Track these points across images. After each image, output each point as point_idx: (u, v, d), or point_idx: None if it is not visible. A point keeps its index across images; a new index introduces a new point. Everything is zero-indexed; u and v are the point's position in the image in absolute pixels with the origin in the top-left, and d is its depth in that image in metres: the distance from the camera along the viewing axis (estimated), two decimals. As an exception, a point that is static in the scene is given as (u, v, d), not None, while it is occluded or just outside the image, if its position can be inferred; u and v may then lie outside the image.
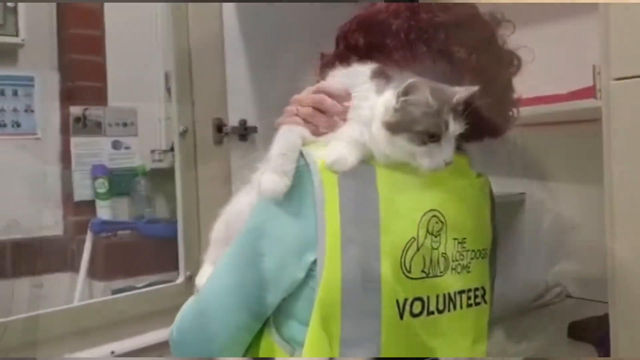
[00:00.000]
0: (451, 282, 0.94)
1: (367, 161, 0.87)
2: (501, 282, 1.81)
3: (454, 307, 0.95)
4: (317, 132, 0.92)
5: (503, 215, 1.86)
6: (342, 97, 0.91)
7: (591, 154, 1.04)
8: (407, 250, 0.88)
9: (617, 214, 0.94)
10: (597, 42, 0.95)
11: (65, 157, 2.43)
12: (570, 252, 1.87)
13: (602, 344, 1.34)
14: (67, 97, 2.42)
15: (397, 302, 0.87)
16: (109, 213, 2.39)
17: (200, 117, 1.63)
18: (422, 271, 0.90)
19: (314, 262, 0.85)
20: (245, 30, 1.72)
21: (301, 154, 0.87)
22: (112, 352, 1.38)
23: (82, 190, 2.42)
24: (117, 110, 2.48)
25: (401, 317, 0.87)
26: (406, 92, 0.84)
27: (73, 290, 2.20)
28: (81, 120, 2.41)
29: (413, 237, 0.88)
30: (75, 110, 2.40)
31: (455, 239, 0.94)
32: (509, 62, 1.01)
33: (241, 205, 0.97)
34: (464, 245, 0.96)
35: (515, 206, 1.92)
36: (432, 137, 0.85)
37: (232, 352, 0.92)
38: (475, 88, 0.87)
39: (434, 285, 0.92)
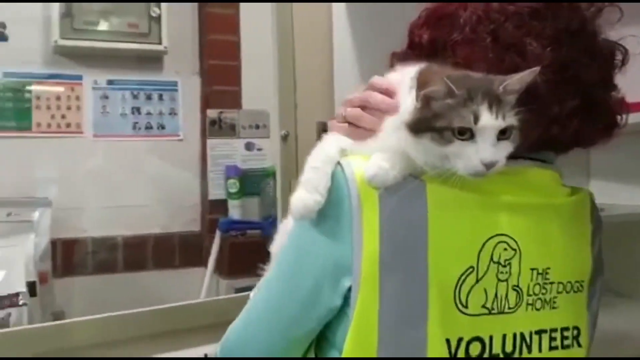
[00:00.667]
0: (526, 320, 0.80)
1: (417, 175, 0.75)
2: (626, 321, 1.56)
3: (529, 350, 0.80)
4: (366, 135, 0.82)
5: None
6: (394, 92, 0.81)
7: None
8: (463, 281, 0.75)
9: None
10: None
11: (204, 157, 2.55)
12: None
13: None
14: (206, 100, 2.54)
15: (448, 341, 0.75)
16: (239, 213, 2.47)
17: (304, 121, 1.60)
18: (484, 306, 0.77)
19: (350, 289, 0.76)
20: (355, 33, 1.65)
21: (340, 167, 0.78)
22: (205, 355, 1.39)
23: (216, 190, 2.52)
24: (250, 113, 2.54)
25: (453, 359, 0.75)
26: (422, 82, 0.72)
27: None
28: (217, 122, 2.51)
29: (471, 267, 0.75)
30: (211, 113, 2.51)
31: (533, 269, 0.80)
32: (607, 56, 0.83)
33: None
34: (547, 276, 0.81)
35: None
36: (460, 133, 0.71)
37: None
38: (528, 72, 0.72)
39: (501, 323, 0.78)
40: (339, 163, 0.78)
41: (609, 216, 1.16)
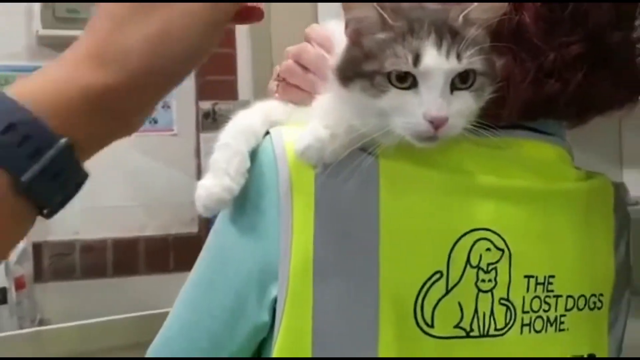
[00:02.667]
0: (521, 346, 0.60)
1: (368, 150, 0.56)
2: None
3: None
4: (301, 98, 0.64)
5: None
6: (316, 64, 0.62)
7: None
8: (428, 291, 0.56)
9: None
10: None
11: (199, 153, 2.38)
12: None
13: None
14: (200, 92, 2.37)
15: None
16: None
17: None
18: (458, 326, 0.57)
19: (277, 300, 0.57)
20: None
21: (270, 139, 0.59)
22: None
23: (213, 188, 2.35)
24: (247, 104, 2.35)
25: None
26: (348, 9, 0.53)
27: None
28: (210, 115, 2.34)
29: (439, 272, 0.56)
30: (205, 104, 2.34)
31: (529, 276, 0.60)
32: None
33: None
34: (551, 287, 0.61)
35: None
36: (399, 79, 0.51)
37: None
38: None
39: (484, 349, 0.58)
40: (268, 135, 0.59)
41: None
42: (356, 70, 0.53)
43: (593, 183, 0.65)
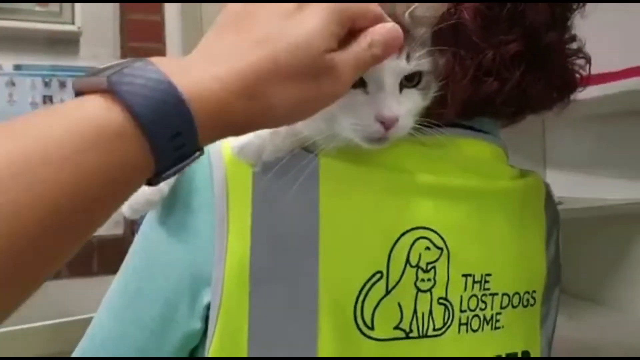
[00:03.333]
0: (459, 346, 0.60)
1: (309, 148, 0.54)
2: (612, 320, 1.39)
3: None
4: None
5: (623, 229, 1.43)
6: None
7: None
8: (368, 292, 0.54)
9: None
10: None
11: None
12: None
13: None
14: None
15: None
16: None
17: None
18: (398, 327, 0.56)
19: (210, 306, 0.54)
20: None
21: None
22: None
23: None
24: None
25: None
26: None
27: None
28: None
29: (379, 272, 0.54)
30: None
31: (467, 275, 0.60)
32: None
33: None
34: (487, 285, 0.61)
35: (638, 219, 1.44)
36: None
37: None
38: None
39: (423, 349, 0.57)
40: None
41: (566, 210, 0.97)
42: None
43: (527, 181, 0.66)
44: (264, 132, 0.53)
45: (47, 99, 2.20)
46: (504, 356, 0.63)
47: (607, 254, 1.50)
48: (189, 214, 0.55)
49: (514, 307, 0.63)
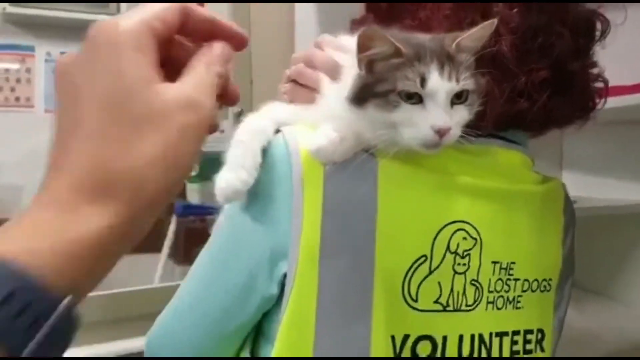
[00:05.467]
0: (486, 320, 0.71)
1: (369, 151, 0.65)
2: (615, 312, 1.50)
3: (489, 354, 0.71)
4: (309, 96, 0.72)
5: (629, 228, 1.54)
6: (328, 66, 0.71)
7: None
8: (414, 272, 0.66)
9: None
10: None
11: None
12: None
13: None
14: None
15: (393, 338, 0.65)
16: (199, 197, 2.34)
17: (260, 98, 1.46)
18: (437, 301, 0.67)
19: (286, 275, 0.66)
20: (318, 6, 1.53)
21: (283, 137, 0.68)
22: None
23: (175, 173, 2.39)
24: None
25: (397, 359, 0.65)
26: (364, 44, 0.62)
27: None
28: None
29: (424, 255, 0.66)
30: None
31: (495, 262, 0.71)
32: (583, 25, 0.73)
33: None
34: (511, 272, 0.72)
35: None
36: (408, 97, 0.61)
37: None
38: (483, 25, 0.62)
39: (457, 322, 0.69)
40: (281, 133, 0.68)
41: (581, 209, 1.08)
42: (370, 92, 0.62)
43: (549, 186, 0.77)
44: (334, 137, 0.64)
45: (89, 86, 2.32)
46: (522, 331, 0.74)
47: (617, 251, 1.61)
48: (270, 201, 0.66)
49: (532, 291, 0.75)
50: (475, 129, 0.66)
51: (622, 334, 1.38)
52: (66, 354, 0.37)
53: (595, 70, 0.75)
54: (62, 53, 2.29)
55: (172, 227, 2.23)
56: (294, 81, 0.75)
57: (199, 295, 0.73)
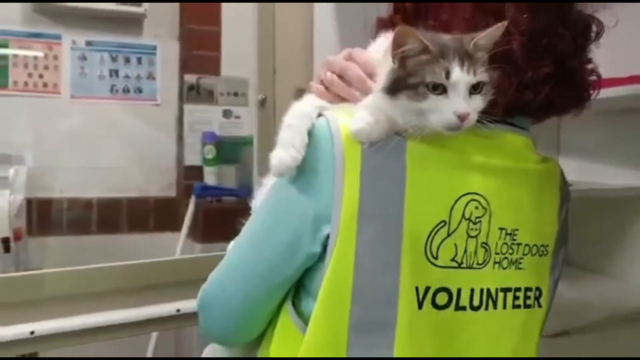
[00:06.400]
0: (493, 277, 0.84)
1: (399, 134, 0.78)
2: (607, 286, 1.64)
3: (495, 306, 0.84)
4: (337, 102, 0.86)
5: (621, 210, 1.67)
6: (371, 68, 0.83)
7: None
8: (435, 234, 0.79)
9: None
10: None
11: (181, 123, 2.55)
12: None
13: None
14: (185, 65, 2.52)
15: (417, 289, 0.79)
16: (215, 179, 2.47)
17: (282, 86, 1.59)
18: (453, 259, 0.81)
19: (329, 236, 0.79)
20: (335, 7, 1.65)
21: (326, 120, 0.80)
22: (178, 310, 1.40)
23: (192, 156, 2.52)
24: (229, 80, 2.54)
25: (420, 306, 0.79)
26: (398, 42, 0.75)
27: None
28: (194, 88, 2.51)
29: (443, 221, 0.79)
30: (190, 78, 2.50)
31: (502, 229, 0.84)
32: (582, 28, 0.86)
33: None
34: (515, 237, 0.85)
35: (636, 201, 1.69)
36: (434, 88, 0.74)
37: (249, 322, 0.90)
38: (495, 27, 0.75)
39: (469, 277, 0.82)
40: (324, 116, 0.81)
41: (575, 191, 1.21)
42: (402, 84, 0.75)
43: (547, 166, 0.90)
44: (371, 120, 0.77)
45: (114, 73, 2.45)
46: (522, 288, 0.87)
47: (608, 230, 1.74)
48: (315, 174, 0.79)
49: (532, 255, 0.87)
50: (488, 115, 0.79)
51: (611, 304, 1.52)
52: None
53: (590, 66, 0.89)
54: (88, 42, 2.42)
55: (190, 208, 2.37)
56: (326, 87, 0.88)
57: (250, 253, 0.86)
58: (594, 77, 0.90)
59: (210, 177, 2.47)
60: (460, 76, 0.73)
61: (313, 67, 1.60)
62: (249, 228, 0.88)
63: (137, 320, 1.38)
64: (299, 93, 1.60)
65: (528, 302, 0.87)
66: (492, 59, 0.78)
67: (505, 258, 0.85)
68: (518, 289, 0.86)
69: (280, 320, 0.87)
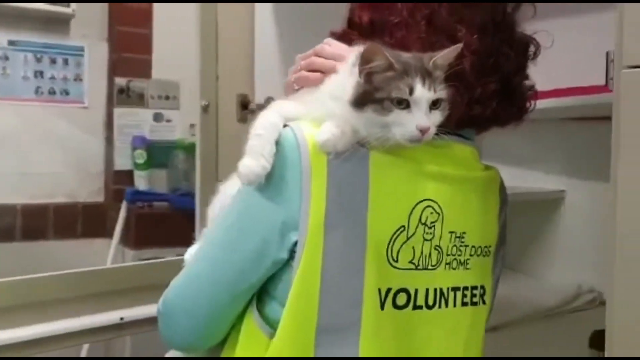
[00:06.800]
0: (445, 277, 0.90)
1: (363, 145, 0.83)
2: (527, 284, 1.76)
3: (447, 304, 0.91)
4: (318, 82, 0.90)
5: (539, 212, 1.80)
6: (335, 56, 0.89)
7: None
8: (395, 239, 0.84)
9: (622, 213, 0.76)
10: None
11: (110, 126, 2.49)
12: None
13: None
14: (114, 68, 2.47)
15: (379, 291, 0.84)
16: (146, 184, 2.44)
17: (224, 93, 1.60)
18: (411, 262, 0.86)
19: (296, 243, 0.83)
20: (277, 6, 1.68)
21: (292, 131, 0.84)
22: (122, 319, 1.39)
23: (122, 160, 2.48)
24: (160, 83, 2.52)
25: (382, 307, 0.84)
26: (367, 58, 0.80)
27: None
28: (125, 91, 2.46)
29: (402, 226, 0.85)
30: (120, 80, 2.46)
31: (452, 232, 0.90)
32: (523, 48, 0.95)
33: (233, 186, 0.95)
34: (463, 240, 0.92)
35: (553, 204, 1.83)
36: (399, 103, 0.79)
37: (214, 329, 0.92)
38: (452, 49, 0.82)
39: (424, 278, 0.88)
40: (290, 127, 0.84)
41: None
42: (369, 98, 0.80)
43: (489, 173, 0.98)
44: (337, 132, 0.81)
45: (38, 74, 2.36)
46: (469, 287, 0.95)
47: (528, 232, 1.87)
48: (283, 183, 0.83)
49: (477, 255, 0.95)
50: (442, 127, 0.85)
51: (530, 302, 1.63)
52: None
53: (528, 82, 0.97)
54: (10, 41, 2.31)
55: (122, 213, 2.32)
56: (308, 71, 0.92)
57: (216, 260, 0.88)
58: (531, 92, 0.99)
59: (141, 181, 2.43)
60: (422, 93, 0.79)
61: (254, 74, 1.63)
62: (214, 235, 0.90)
63: (79, 329, 1.35)
64: (240, 99, 1.64)
65: (474, 299, 0.94)
66: (448, 77, 0.84)
67: (455, 259, 0.91)
68: (466, 288, 0.93)
69: (245, 325, 0.90)
